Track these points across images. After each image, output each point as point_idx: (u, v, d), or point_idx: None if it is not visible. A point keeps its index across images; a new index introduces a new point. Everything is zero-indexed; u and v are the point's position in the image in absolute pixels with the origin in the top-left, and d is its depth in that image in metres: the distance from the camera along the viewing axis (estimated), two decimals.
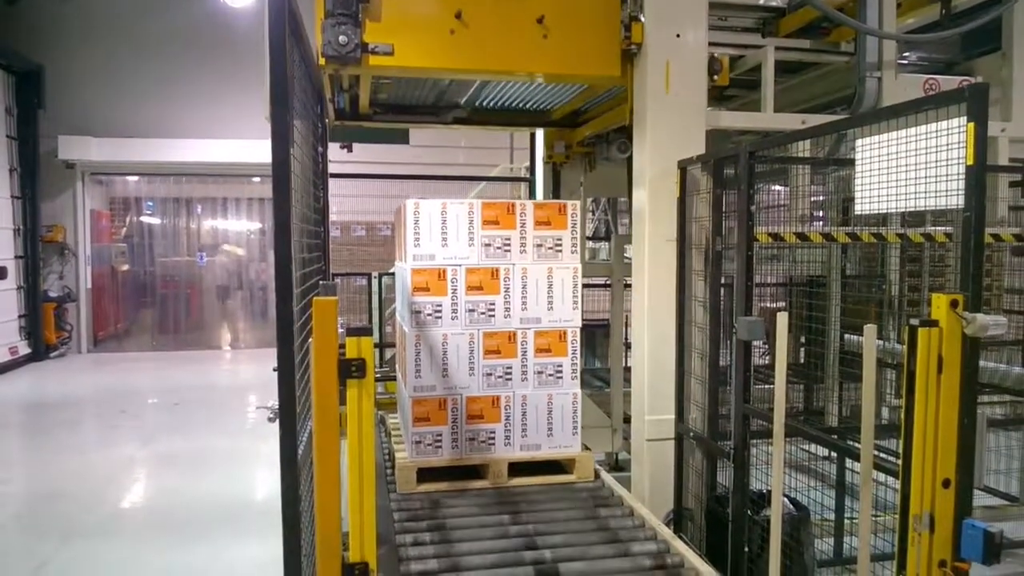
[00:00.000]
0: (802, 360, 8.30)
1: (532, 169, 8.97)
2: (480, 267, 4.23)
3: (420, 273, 4.18)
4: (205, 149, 15.29)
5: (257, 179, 16.68)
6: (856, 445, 3.04)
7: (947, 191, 2.71)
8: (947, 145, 2.68)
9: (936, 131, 2.75)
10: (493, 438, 4.27)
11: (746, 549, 4.00)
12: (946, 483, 2.36)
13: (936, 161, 2.75)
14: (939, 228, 5.63)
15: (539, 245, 4.28)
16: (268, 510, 6.44)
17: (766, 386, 4.24)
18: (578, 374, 4.35)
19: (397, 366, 4.95)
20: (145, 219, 17.56)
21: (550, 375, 4.32)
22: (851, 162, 3.76)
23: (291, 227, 2.39)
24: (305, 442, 2.69)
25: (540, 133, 8.35)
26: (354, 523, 2.19)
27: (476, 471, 4.29)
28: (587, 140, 7.68)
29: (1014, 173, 6.05)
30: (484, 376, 4.25)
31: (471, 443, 4.25)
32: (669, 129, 4.78)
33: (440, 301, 4.20)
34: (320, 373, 2.09)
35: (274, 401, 4.78)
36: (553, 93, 6.35)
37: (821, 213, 6.71)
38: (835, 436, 5.42)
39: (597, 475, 4.39)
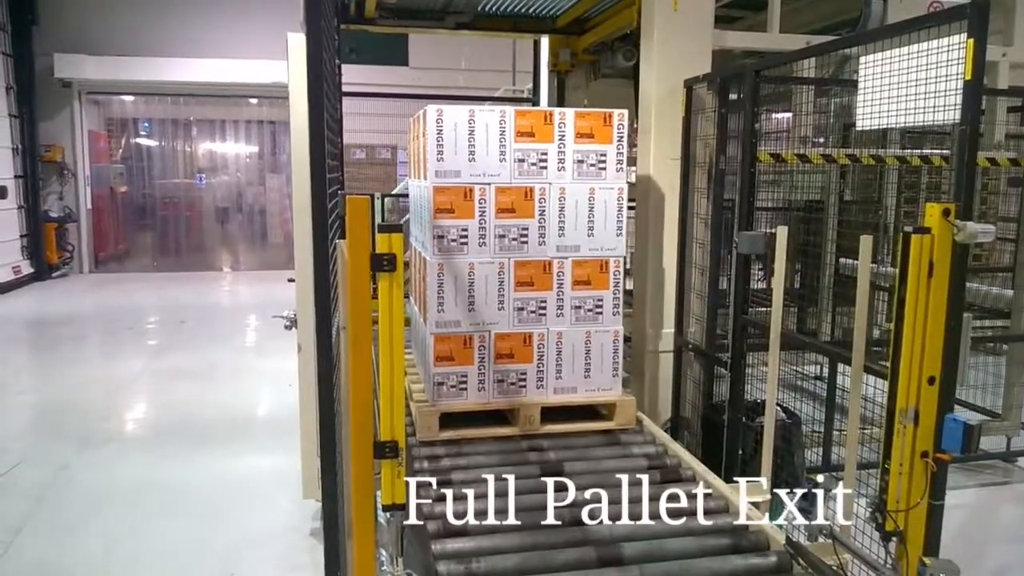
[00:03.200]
0: (797, 286, 7.75)
1: (536, 80, 8.32)
2: (512, 186, 3.35)
3: (443, 192, 3.30)
4: (203, 69, 13.92)
5: (255, 101, 15.41)
6: (846, 353, 3.04)
7: (945, 106, 2.63)
8: (947, 62, 2.61)
9: (937, 48, 2.68)
10: (524, 380, 3.46)
11: (740, 452, 3.93)
12: (931, 380, 2.35)
13: (936, 77, 2.67)
14: (935, 152, 5.56)
15: (580, 161, 3.40)
16: (273, 421, 6.46)
17: (762, 309, 4.12)
18: (620, 310, 3.53)
19: (412, 298, 4.10)
20: (142, 141, 16.27)
21: (589, 310, 3.49)
22: (854, 84, 3.53)
23: (324, 133, 2.17)
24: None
25: (545, 42, 7.63)
26: (385, 404, 2.17)
27: (504, 416, 3.51)
28: (592, 48, 7.20)
29: (1014, 98, 5.83)
30: (515, 311, 3.42)
31: (500, 385, 3.45)
32: (676, 48, 4.45)
33: (466, 225, 3.33)
34: (354, 266, 2.03)
35: (289, 310, 4.41)
36: None
37: (822, 140, 6.53)
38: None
39: (639, 422, 3.61)
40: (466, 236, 3.33)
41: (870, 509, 2.47)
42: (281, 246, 16.14)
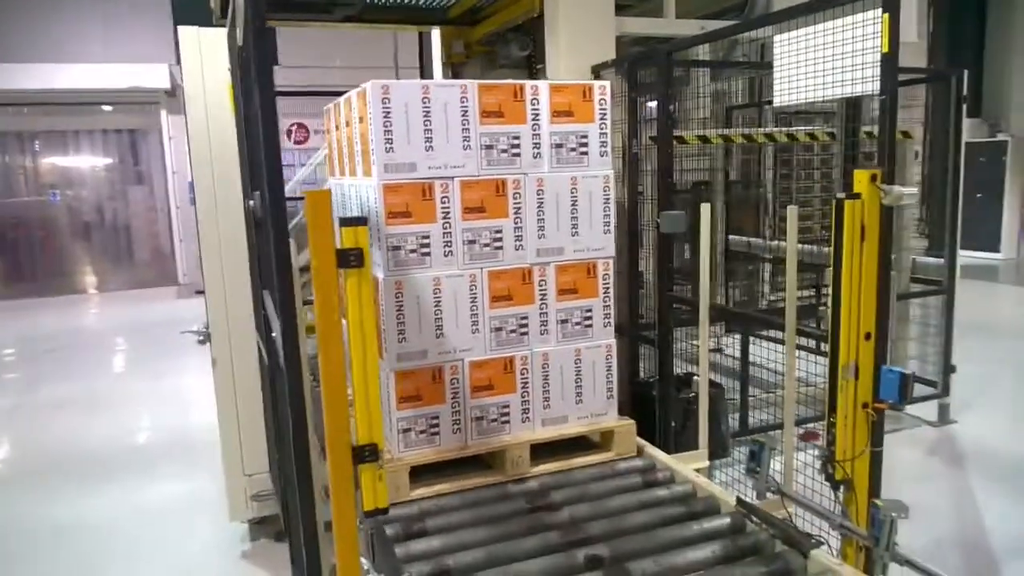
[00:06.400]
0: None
1: (422, 75, 7.40)
2: (480, 179, 2.50)
3: (396, 191, 2.40)
4: (48, 75, 11.86)
5: (109, 108, 13.42)
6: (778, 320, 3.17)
7: (863, 79, 2.58)
8: (863, 36, 2.55)
9: (852, 23, 2.61)
10: (507, 414, 2.63)
11: (672, 424, 3.83)
12: (868, 336, 2.36)
13: (853, 52, 2.61)
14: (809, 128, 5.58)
15: (558, 146, 2.59)
16: (173, 445, 5.59)
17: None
18: (612, 320, 2.75)
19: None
20: None
21: (577, 324, 2.69)
22: (766, 65, 3.50)
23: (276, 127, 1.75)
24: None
25: (436, 34, 6.82)
26: (360, 407, 1.91)
27: (483, 460, 2.66)
28: (486, 39, 6.47)
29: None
30: (492, 332, 2.58)
31: (478, 424, 2.60)
32: (582, 33, 4.17)
33: (427, 230, 2.45)
34: (320, 263, 1.78)
35: (198, 325, 3.96)
36: None
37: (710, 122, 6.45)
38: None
39: (640, 450, 2.85)
40: (428, 245, 2.45)
41: (821, 461, 2.47)
42: (149, 263, 14.23)
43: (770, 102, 8.31)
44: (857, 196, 2.31)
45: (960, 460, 4.84)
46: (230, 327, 3.66)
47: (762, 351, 5.32)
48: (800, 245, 7.03)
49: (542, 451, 2.67)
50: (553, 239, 2.60)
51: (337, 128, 2.90)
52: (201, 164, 3.47)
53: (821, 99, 2.92)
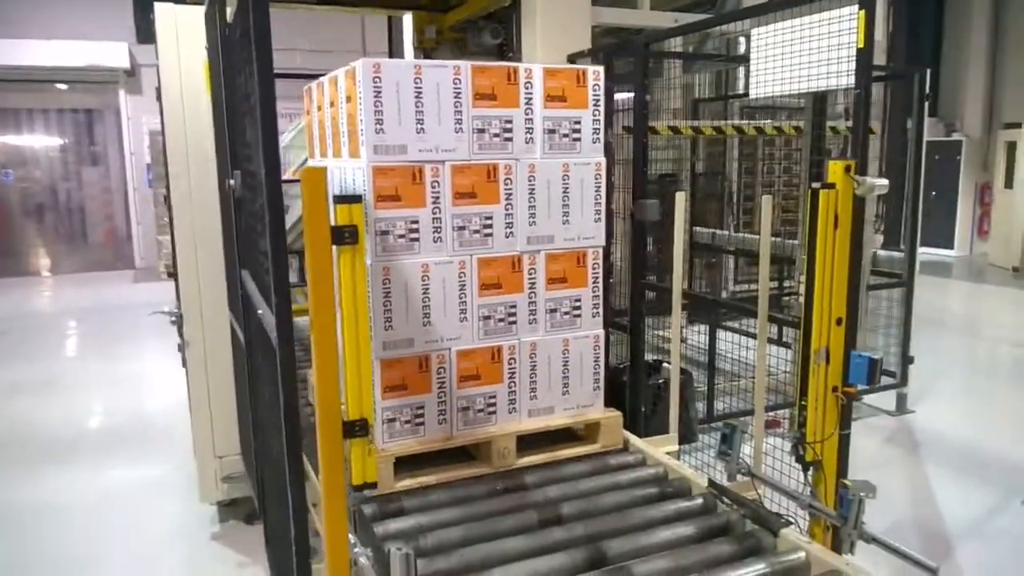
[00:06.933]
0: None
1: (391, 57, 7.26)
2: (472, 163, 2.41)
3: (385, 174, 2.30)
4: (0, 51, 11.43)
5: (64, 87, 12.89)
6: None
7: (838, 73, 2.62)
8: (839, 32, 2.59)
9: (828, 19, 2.66)
10: (494, 405, 2.55)
11: (643, 409, 3.88)
12: (839, 321, 2.39)
13: (829, 47, 2.65)
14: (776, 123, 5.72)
15: (551, 131, 2.51)
16: (136, 429, 5.40)
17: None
18: (600, 310, 2.70)
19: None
20: None
21: (566, 313, 2.62)
22: (739, 58, 3.56)
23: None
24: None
25: (408, 19, 6.73)
26: (352, 382, 1.95)
27: (467, 452, 2.59)
28: (458, 26, 6.41)
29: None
30: (480, 321, 2.49)
31: (464, 414, 2.52)
32: (558, 23, 4.14)
33: (416, 215, 2.36)
34: (313, 240, 1.73)
35: (169, 306, 3.95)
36: None
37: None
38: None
39: (626, 443, 2.79)
40: (416, 230, 2.36)
41: (791, 442, 2.50)
42: (103, 245, 13.75)
43: (736, 96, 8.39)
44: (831, 186, 2.34)
45: (917, 448, 4.94)
46: (203, 308, 3.53)
47: (723, 342, 5.41)
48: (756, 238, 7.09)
49: (527, 442, 2.60)
50: (544, 227, 2.53)
51: (319, 108, 2.79)
52: (176, 144, 3.33)
53: (797, 92, 2.96)
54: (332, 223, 1.81)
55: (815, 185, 2.37)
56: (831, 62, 2.67)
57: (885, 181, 2.37)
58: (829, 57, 2.68)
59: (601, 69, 2.53)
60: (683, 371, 3.88)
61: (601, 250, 2.64)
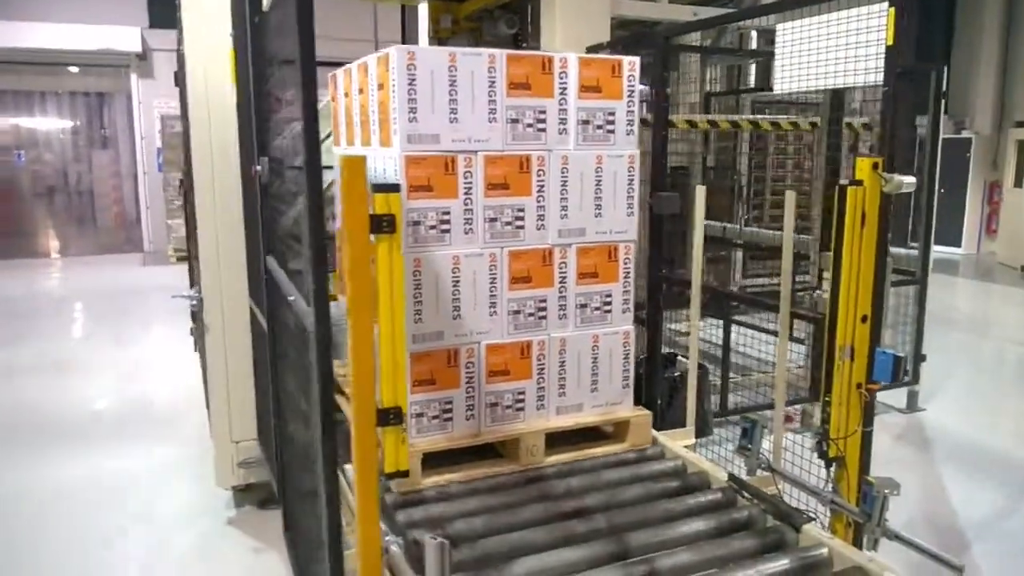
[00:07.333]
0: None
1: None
2: (505, 154, 2.36)
3: (418, 163, 2.25)
4: (14, 33, 11.31)
5: (75, 70, 12.80)
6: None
7: (866, 70, 2.55)
8: (867, 28, 2.55)
9: (857, 16, 2.61)
10: (522, 401, 2.50)
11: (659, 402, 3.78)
12: (864, 319, 2.37)
13: (856, 43, 2.60)
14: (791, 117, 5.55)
15: (585, 122, 2.45)
16: (147, 413, 5.33)
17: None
18: (631, 306, 2.65)
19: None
20: None
21: (596, 309, 2.57)
22: (760, 53, 3.75)
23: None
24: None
25: (423, 8, 6.68)
26: (386, 370, 1.92)
27: (494, 448, 2.55)
28: (474, 15, 6.28)
29: None
30: (510, 315, 2.45)
31: (492, 410, 2.47)
32: (577, 14, 4.06)
33: (448, 206, 2.31)
34: (352, 228, 1.71)
35: (187, 290, 3.92)
36: None
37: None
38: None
39: (655, 441, 2.75)
40: (448, 221, 2.31)
41: (815, 439, 2.48)
42: (112, 228, 13.71)
43: (748, 90, 8.30)
44: (859, 183, 2.31)
45: (929, 445, 4.90)
46: (223, 294, 3.48)
47: (735, 336, 5.37)
48: (774, 232, 7.08)
49: (554, 440, 2.55)
50: (576, 220, 2.47)
51: (347, 95, 2.73)
52: (200, 130, 3.27)
53: (822, 88, 2.93)
54: (370, 212, 1.78)
55: (843, 182, 2.34)
56: (857, 59, 2.62)
57: (913, 179, 2.34)
58: (857, 54, 2.63)
59: (636, 60, 2.47)
60: (699, 365, 3.88)
61: (633, 245, 2.59)
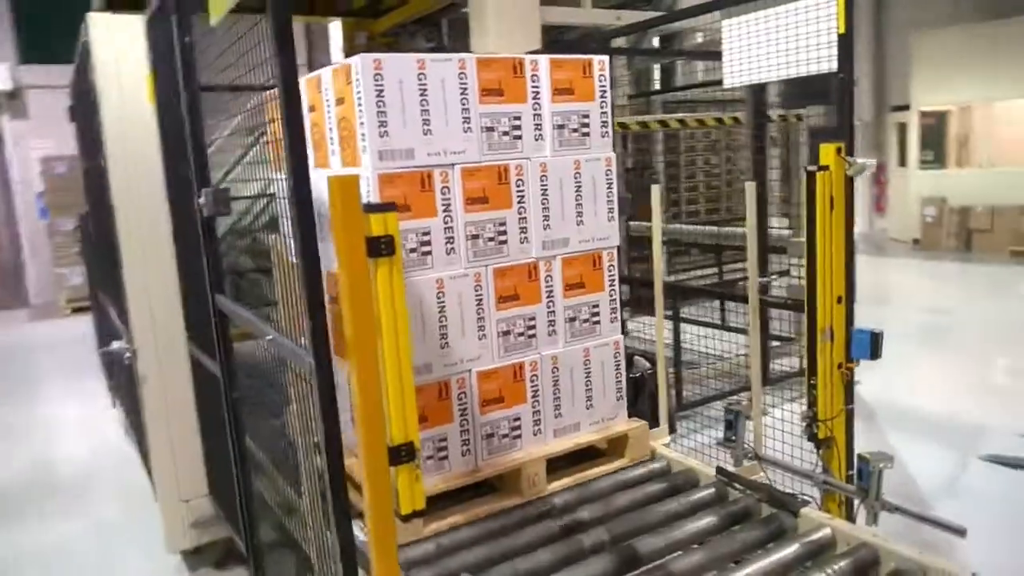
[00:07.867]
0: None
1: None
2: (482, 165, 2.17)
3: (392, 181, 2.03)
4: None
5: None
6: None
7: (819, 58, 2.57)
8: (817, 18, 2.56)
9: (805, 7, 2.63)
10: (519, 428, 2.32)
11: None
12: (839, 299, 2.39)
13: (807, 33, 2.62)
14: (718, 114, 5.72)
15: (560, 127, 2.30)
16: (76, 478, 4.78)
17: None
18: (619, 314, 2.51)
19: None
20: None
21: (585, 321, 2.42)
22: (714, 54, 3.44)
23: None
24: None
25: (336, 26, 6.48)
26: (395, 405, 1.76)
27: (489, 483, 2.35)
28: (390, 31, 6.20)
29: None
30: (499, 337, 2.26)
31: (489, 442, 2.27)
32: (509, 24, 4.01)
33: (427, 226, 2.10)
34: (347, 252, 1.56)
35: (118, 343, 3.53)
36: None
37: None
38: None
39: (654, 453, 2.61)
40: (428, 242, 2.11)
41: (804, 422, 2.47)
42: None
43: (657, 92, 8.40)
44: (825, 168, 2.32)
45: (872, 416, 5.01)
46: (157, 341, 3.13)
47: (670, 331, 5.37)
48: (702, 227, 7.12)
49: (552, 463, 2.37)
50: (558, 230, 2.31)
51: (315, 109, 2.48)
52: (119, 166, 2.92)
53: (775, 79, 2.90)
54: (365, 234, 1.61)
55: (810, 168, 2.35)
56: (799, 50, 2.66)
57: (873, 161, 2.40)
58: (808, 44, 2.64)
59: (606, 59, 2.35)
60: (652, 363, 3.89)
61: (616, 251, 2.45)
